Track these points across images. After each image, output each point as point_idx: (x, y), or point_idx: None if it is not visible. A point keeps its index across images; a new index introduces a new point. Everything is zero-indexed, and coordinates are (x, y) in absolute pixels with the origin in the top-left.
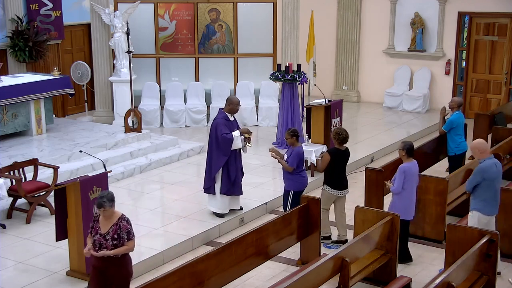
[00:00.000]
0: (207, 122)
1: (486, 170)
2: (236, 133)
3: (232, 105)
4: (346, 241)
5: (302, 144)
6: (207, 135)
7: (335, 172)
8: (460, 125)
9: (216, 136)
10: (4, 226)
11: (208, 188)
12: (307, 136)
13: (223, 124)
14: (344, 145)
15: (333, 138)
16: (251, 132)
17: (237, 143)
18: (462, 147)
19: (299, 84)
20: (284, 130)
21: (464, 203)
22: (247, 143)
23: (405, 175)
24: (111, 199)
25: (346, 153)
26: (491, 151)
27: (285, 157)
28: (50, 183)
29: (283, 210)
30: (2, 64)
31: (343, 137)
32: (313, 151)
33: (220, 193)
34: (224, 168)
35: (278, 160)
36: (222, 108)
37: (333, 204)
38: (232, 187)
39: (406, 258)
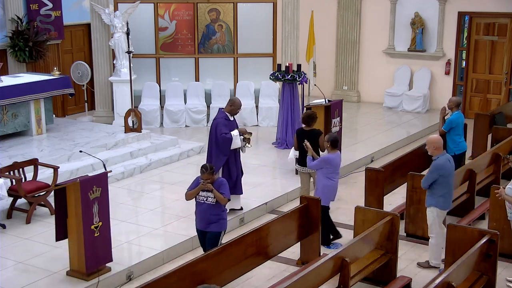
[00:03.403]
0: (207, 122)
1: (442, 166)
2: (234, 132)
3: (234, 106)
4: None
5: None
6: (207, 135)
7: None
8: (460, 125)
9: (216, 136)
10: (4, 226)
11: None
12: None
13: (223, 124)
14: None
15: (306, 118)
16: (251, 133)
17: (236, 142)
18: (461, 147)
19: (299, 84)
20: (284, 130)
21: (464, 203)
22: (247, 144)
23: (326, 163)
24: None
25: (310, 133)
26: (491, 151)
27: (210, 194)
28: (50, 183)
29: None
30: (2, 64)
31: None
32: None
33: None
34: (224, 168)
35: (212, 191)
36: (222, 108)
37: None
38: (233, 187)
39: (334, 237)
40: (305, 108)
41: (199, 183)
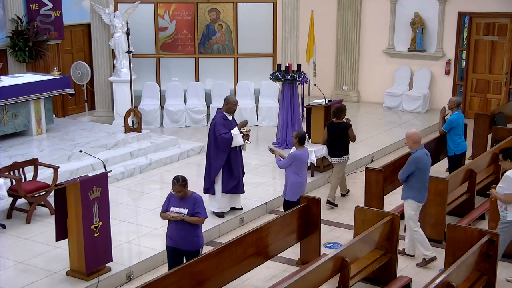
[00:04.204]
0: (207, 122)
1: (419, 159)
2: (234, 131)
3: (230, 104)
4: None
5: None
6: (207, 135)
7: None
8: (460, 125)
9: (214, 136)
10: (4, 226)
11: (208, 189)
12: (307, 136)
13: (221, 124)
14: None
15: (336, 111)
16: (250, 129)
17: (238, 140)
18: (461, 147)
19: (299, 84)
20: (284, 130)
21: (464, 203)
22: (246, 140)
23: (295, 159)
24: None
25: (340, 126)
26: (491, 151)
27: (183, 211)
28: (50, 183)
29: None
30: (2, 64)
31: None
32: (313, 151)
33: (222, 192)
34: (225, 166)
35: (183, 216)
36: (220, 108)
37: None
38: (235, 185)
39: None
40: (305, 108)
41: (171, 197)
